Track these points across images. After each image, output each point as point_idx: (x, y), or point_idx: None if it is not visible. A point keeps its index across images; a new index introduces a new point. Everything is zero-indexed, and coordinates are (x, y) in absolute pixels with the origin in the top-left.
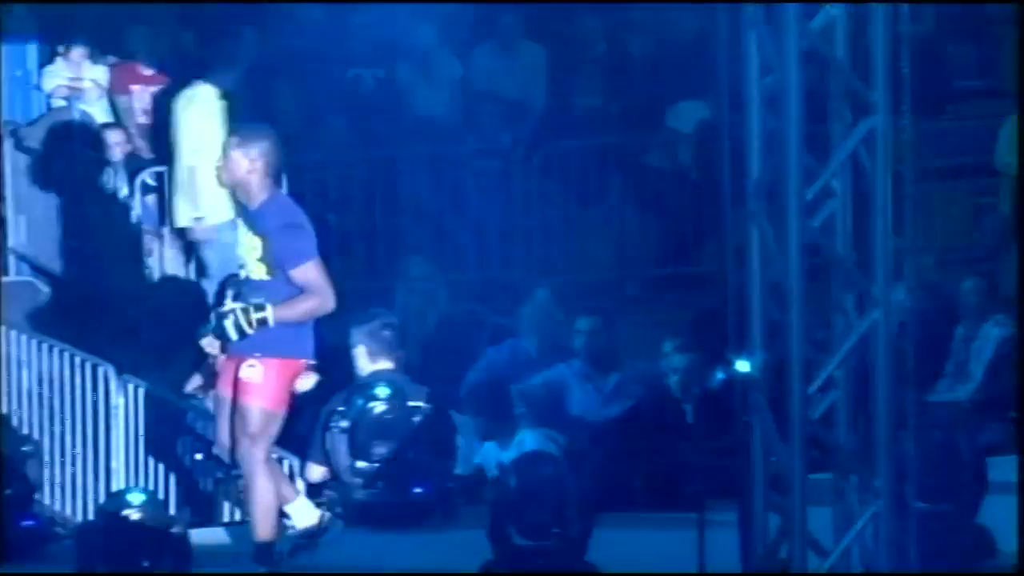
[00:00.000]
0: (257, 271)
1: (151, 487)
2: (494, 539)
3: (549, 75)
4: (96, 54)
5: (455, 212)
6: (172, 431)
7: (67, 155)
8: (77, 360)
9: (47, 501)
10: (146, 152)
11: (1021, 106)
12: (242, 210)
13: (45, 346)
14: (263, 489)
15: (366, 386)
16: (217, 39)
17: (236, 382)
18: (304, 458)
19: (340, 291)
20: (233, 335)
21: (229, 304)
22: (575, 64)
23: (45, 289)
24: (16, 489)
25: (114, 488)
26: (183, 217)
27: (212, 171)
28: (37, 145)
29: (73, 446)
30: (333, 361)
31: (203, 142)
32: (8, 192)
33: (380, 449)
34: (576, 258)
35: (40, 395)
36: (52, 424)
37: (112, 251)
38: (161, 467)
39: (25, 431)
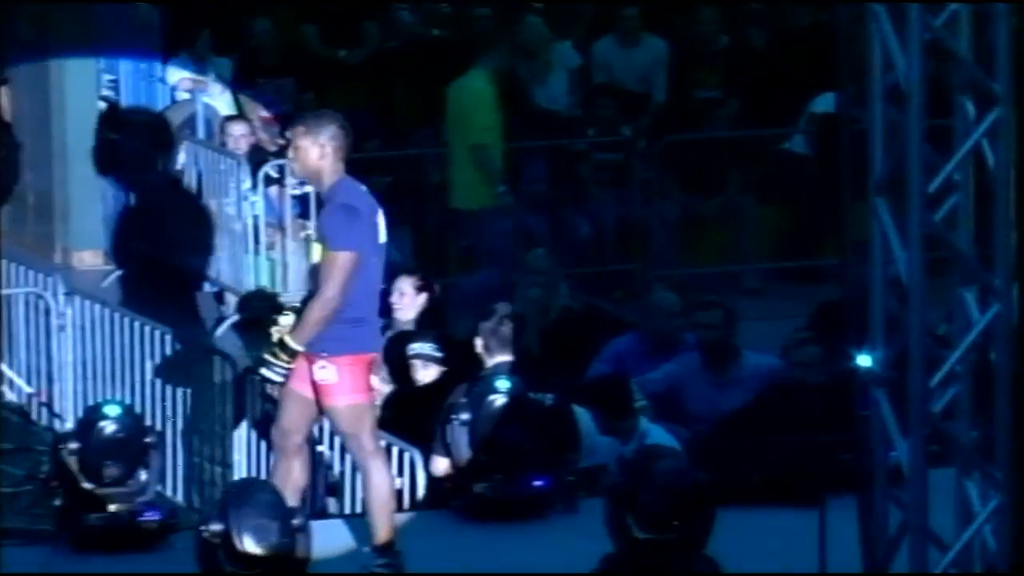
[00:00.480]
0: (317, 253)
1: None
2: (613, 532)
3: (670, 68)
4: (220, 47)
5: (575, 205)
6: None
7: (190, 148)
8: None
9: (169, 493)
10: (269, 144)
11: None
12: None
13: (168, 337)
14: (378, 480)
15: (487, 379)
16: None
17: (314, 384)
18: (427, 451)
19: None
20: (278, 379)
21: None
22: (696, 57)
23: (166, 280)
24: (139, 480)
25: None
26: (471, 198)
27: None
28: (164, 137)
29: (197, 436)
30: (459, 354)
31: (490, 122)
32: (127, 183)
33: (500, 442)
34: (695, 250)
35: (164, 386)
36: (175, 415)
37: (231, 242)
38: None
39: (148, 422)
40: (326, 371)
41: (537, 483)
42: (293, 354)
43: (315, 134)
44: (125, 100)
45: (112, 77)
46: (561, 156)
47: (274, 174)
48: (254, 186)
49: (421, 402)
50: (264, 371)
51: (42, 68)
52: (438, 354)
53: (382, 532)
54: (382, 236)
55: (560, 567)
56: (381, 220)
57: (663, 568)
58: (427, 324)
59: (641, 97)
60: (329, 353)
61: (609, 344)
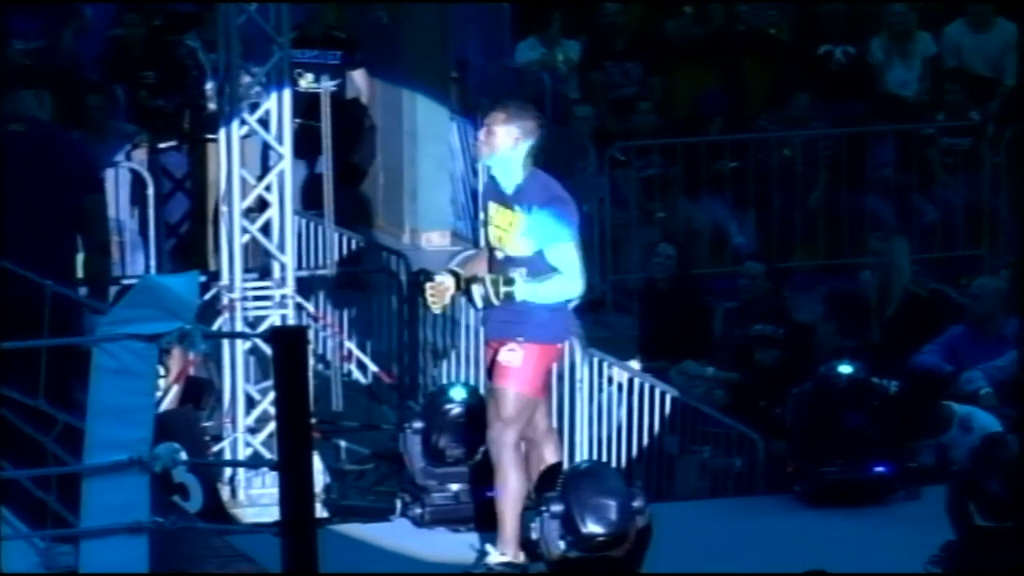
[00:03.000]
0: (517, 247)
1: (612, 462)
2: (955, 519)
3: (1022, 52)
4: (570, 29)
5: (922, 189)
6: (636, 405)
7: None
8: None
9: None
10: (614, 128)
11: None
12: (493, 188)
13: None
14: (511, 476)
15: (828, 363)
16: None
17: (493, 365)
18: (767, 434)
19: (804, 269)
20: (478, 303)
21: (481, 273)
22: None
23: None
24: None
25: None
26: None
27: None
28: None
29: None
30: (800, 337)
31: None
32: (481, 167)
33: (842, 426)
34: None
35: None
36: None
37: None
38: (623, 442)
39: None
40: (514, 354)
41: (879, 469)
42: (510, 296)
43: (511, 125)
44: (472, 82)
45: (461, 59)
46: (909, 141)
47: (620, 157)
48: (600, 168)
49: (761, 385)
50: (473, 288)
51: (394, 51)
52: (779, 336)
53: (506, 532)
54: None
55: (900, 554)
56: None
57: (1004, 556)
58: (768, 307)
59: (991, 82)
60: (524, 339)
61: (950, 329)
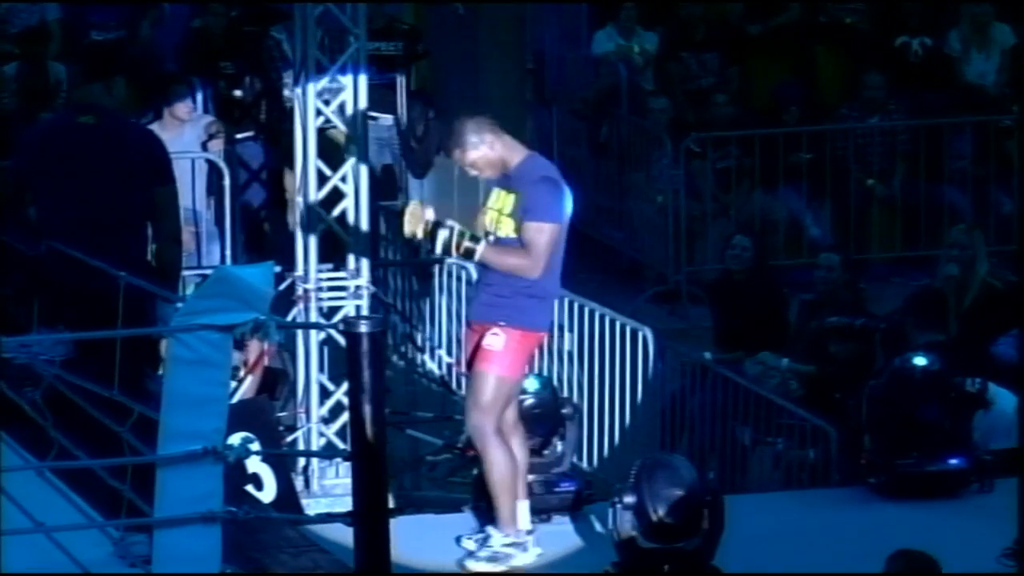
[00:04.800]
0: (504, 227)
1: (686, 452)
2: None
3: None
4: (647, 19)
5: (999, 181)
6: (710, 397)
7: (614, 122)
8: (618, 324)
9: (584, 464)
10: (691, 119)
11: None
12: (499, 180)
13: (587, 309)
14: (498, 458)
15: (905, 355)
16: None
17: (476, 350)
18: (842, 427)
19: (881, 260)
20: (437, 248)
21: (453, 224)
22: None
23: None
24: (555, 451)
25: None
26: None
27: None
28: (586, 110)
29: (611, 409)
30: (876, 329)
31: None
32: (555, 154)
33: (916, 418)
34: None
35: (581, 358)
36: (592, 387)
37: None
38: (696, 433)
39: (566, 394)
40: (497, 338)
41: (953, 461)
42: (470, 253)
43: (470, 143)
44: (548, 72)
45: (538, 50)
46: (987, 132)
47: (696, 148)
48: (675, 160)
49: (837, 377)
50: (439, 232)
51: (469, 40)
52: (855, 328)
53: (504, 512)
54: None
55: (973, 546)
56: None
57: None
58: (844, 298)
59: None
60: (506, 323)
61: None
